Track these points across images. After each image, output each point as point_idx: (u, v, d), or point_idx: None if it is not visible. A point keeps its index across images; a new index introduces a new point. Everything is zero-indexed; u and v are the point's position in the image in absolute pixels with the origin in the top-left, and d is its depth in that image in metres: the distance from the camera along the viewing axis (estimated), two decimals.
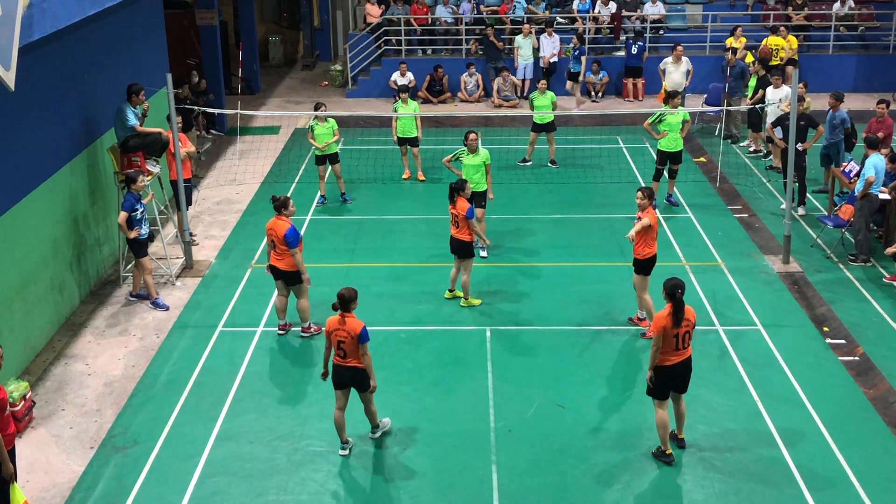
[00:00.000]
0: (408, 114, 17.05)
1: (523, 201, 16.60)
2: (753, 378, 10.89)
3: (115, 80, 14.10)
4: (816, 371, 11.06)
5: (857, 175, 14.29)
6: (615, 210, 15.92)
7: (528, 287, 13.26)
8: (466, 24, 24.28)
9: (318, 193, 16.69)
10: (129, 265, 13.43)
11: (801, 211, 15.84)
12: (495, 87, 22.83)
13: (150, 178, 13.65)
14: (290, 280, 11.55)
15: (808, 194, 16.33)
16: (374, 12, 24.67)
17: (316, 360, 11.45)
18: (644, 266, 11.55)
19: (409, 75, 22.45)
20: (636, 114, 20.41)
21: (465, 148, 13.85)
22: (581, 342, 11.76)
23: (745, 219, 15.71)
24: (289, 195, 13.41)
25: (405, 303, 12.79)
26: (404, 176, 17.81)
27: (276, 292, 12.16)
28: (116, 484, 9.19)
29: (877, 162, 13.65)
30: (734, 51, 20.66)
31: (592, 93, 23.53)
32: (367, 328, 9.23)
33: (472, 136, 13.76)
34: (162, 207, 14.90)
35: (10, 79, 8.87)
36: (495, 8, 24.59)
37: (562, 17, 24.42)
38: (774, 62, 20.66)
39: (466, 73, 23.28)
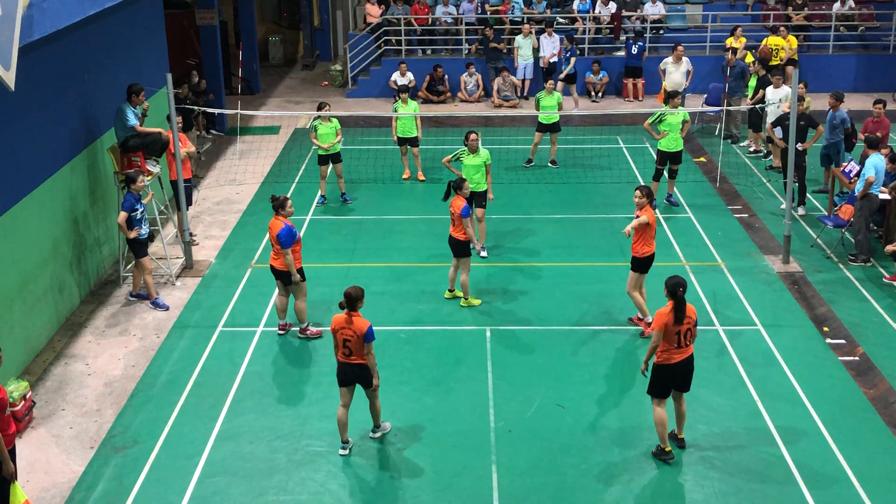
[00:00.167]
0: (408, 114, 17.06)
1: (523, 201, 16.60)
2: (753, 378, 10.89)
3: (115, 80, 14.11)
4: (816, 371, 11.06)
5: (857, 175, 14.29)
6: (615, 210, 15.92)
7: (528, 287, 13.26)
8: (467, 24, 24.29)
9: (319, 193, 16.69)
10: (129, 265, 13.43)
11: (801, 211, 15.84)
12: (495, 87, 22.83)
13: (150, 178, 13.65)
14: (286, 280, 11.55)
15: (808, 194, 16.33)
16: (374, 12, 24.68)
17: (316, 360, 11.46)
18: (642, 264, 11.56)
19: (409, 75, 22.46)
20: (636, 114, 20.42)
21: (466, 148, 13.85)
22: (581, 342, 11.76)
23: (745, 219, 15.72)
24: (289, 195, 13.44)
25: (405, 303, 12.79)
26: (404, 176, 17.81)
27: (276, 292, 12.17)
28: (116, 484, 9.19)
29: (877, 162, 13.65)
30: (734, 51, 20.66)
31: (592, 93, 23.53)
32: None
33: (472, 136, 13.76)
34: (162, 207, 14.90)
35: (10, 79, 8.87)
36: (498, 8, 24.60)
37: (562, 17, 24.42)
38: (774, 62, 20.66)
39: (466, 73, 23.29)
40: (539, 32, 23.00)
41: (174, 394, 10.70)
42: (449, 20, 24.54)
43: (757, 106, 17.98)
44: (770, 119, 17.18)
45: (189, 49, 22.54)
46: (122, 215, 12.27)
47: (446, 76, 23.29)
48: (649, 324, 11.77)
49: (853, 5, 24.39)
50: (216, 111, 18.80)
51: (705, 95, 21.24)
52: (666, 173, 16.12)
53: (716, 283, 13.32)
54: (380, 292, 13.03)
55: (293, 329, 12.04)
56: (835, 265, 13.87)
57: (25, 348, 11.27)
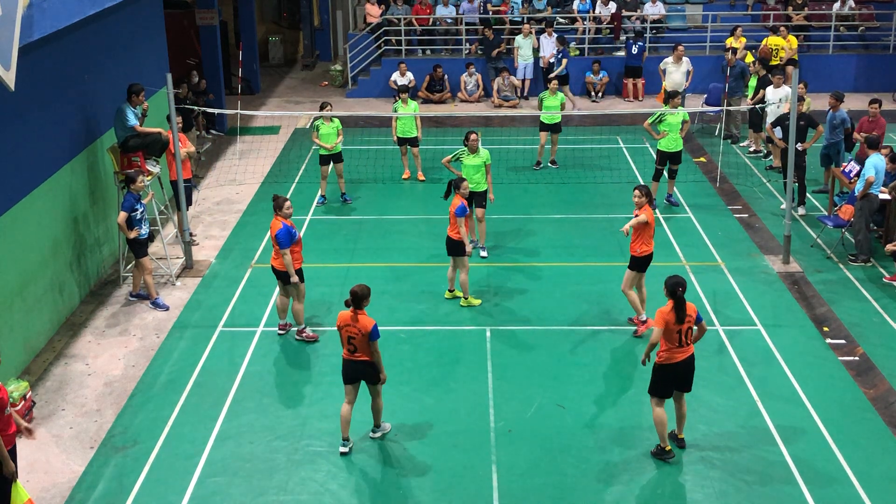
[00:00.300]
0: (408, 114, 17.05)
1: (523, 201, 16.60)
2: (753, 378, 10.89)
3: (115, 80, 14.11)
4: (816, 371, 11.06)
5: (857, 175, 14.29)
6: (615, 210, 15.91)
7: (527, 287, 13.26)
8: (467, 24, 24.29)
9: (319, 193, 16.69)
10: (129, 265, 13.43)
11: (801, 211, 15.84)
12: (495, 88, 22.83)
13: (150, 178, 13.65)
14: (285, 280, 11.54)
15: (808, 194, 16.33)
16: (374, 12, 24.68)
17: (316, 360, 11.46)
18: (640, 263, 11.57)
19: (409, 75, 22.47)
20: (636, 114, 20.43)
21: (466, 148, 13.85)
22: (581, 342, 11.76)
23: (745, 219, 15.72)
24: (289, 195, 13.47)
25: (405, 303, 12.79)
26: (404, 176, 17.81)
27: (276, 291, 12.16)
28: (116, 484, 9.19)
29: (877, 162, 13.65)
30: (734, 51, 20.66)
31: (592, 93, 23.53)
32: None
33: (473, 136, 13.76)
34: (162, 207, 14.90)
35: (10, 79, 8.87)
36: (498, 8, 24.60)
37: (562, 17, 24.43)
38: (774, 62, 20.66)
39: (466, 73, 23.29)
40: (539, 32, 23.00)
41: (174, 394, 10.70)
42: (449, 20, 24.53)
43: (757, 106, 17.98)
44: (770, 119, 17.17)
45: (189, 49, 22.53)
46: (122, 215, 12.27)
47: (446, 76, 23.29)
48: (643, 321, 11.80)
49: (853, 5, 24.39)
50: (216, 111, 18.79)
51: (705, 95, 21.23)
52: (666, 173, 16.12)
53: (716, 283, 13.31)
54: (380, 292, 12.99)
55: (293, 329, 12.04)
56: (835, 265, 13.87)
57: (25, 348, 11.27)
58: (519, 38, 22.98)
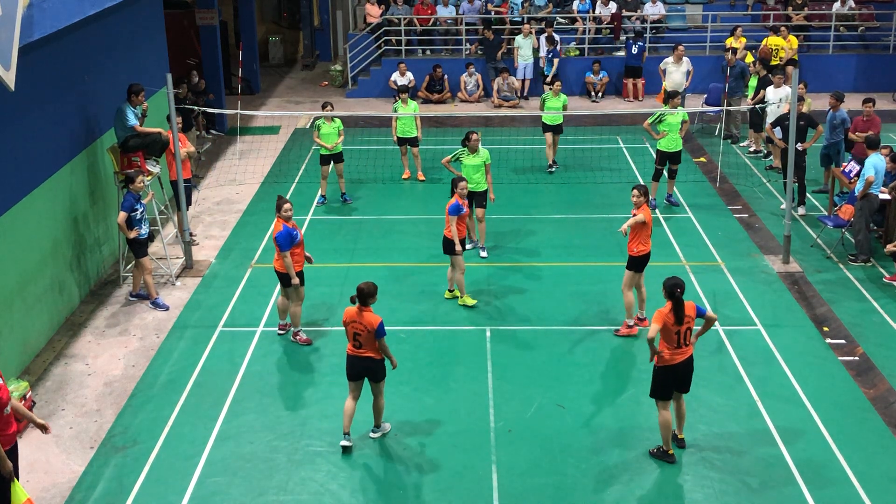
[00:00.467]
0: (408, 114, 17.06)
1: (523, 201, 16.60)
2: (753, 378, 10.89)
3: (115, 80, 14.11)
4: (816, 371, 11.06)
5: (857, 175, 14.29)
6: (615, 210, 15.91)
7: (527, 287, 13.26)
8: (467, 24, 24.29)
9: (319, 193, 16.69)
10: (129, 265, 13.43)
11: (801, 211, 15.84)
12: (495, 88, 22.83)
13: (150, 178, 13.65)
14: (284, 282, 11.49)
15: (808, 194, 16.33)
16: (374, 12, 24.68)
17: (316, 360, 11.46)
18: (637, 263, 11.57)
19: (409, 75, 22.47)
20: (636, 114, 20.43)
21: (465, 149, 13.85)
22: (581, 342, 11.76)
23: (745, 219, 15.72)
24: (288, 195, 13.46)
25: (405, 303, 12.79)
26: (404, 176, 17.81)
27: (277, 290, 12.15)
28: (116, 484, 9.19)
29: (876, 162, 13.65)
30: (734, 51, 20.67)
31: (592, 93, 23.53)
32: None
33: (474, 136, 13.76)
34: (162, 207, 14.90)
35: (10, 79, 8.87)
36: (499, 9, 24.60)
37: (562, 17, 24.43)
38: (774, 62, 20.66)
39: (466, 73, 23.29)
40: (539, 32, 22.99)
41: (174, 394, 10.70)
42: (449, 20, 24.53)
43: (757, 106, 17.98)
44: (771, 119, 17.17)
45: (189, 49, 22.53)
46: (122, 215, 12.27)
47: (446, 76, 23.29)
48: (630, 326, 11.80)
49: (853, 5, 24.39)
50: (216, 111, 18.80)
51: (705, 95, 21.24)
52: (666, 173, 16.12)
53: (716, 282, 13.31)
54: (380, 292, 12.93)
55: (293, 329, 12.03)
56: (835, 265, 13.87)
57: (25, 348, 11.27)
58: (519, 38, 22.98)
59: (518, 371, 11.10)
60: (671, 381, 9.20)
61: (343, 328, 9.68)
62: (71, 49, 12.59)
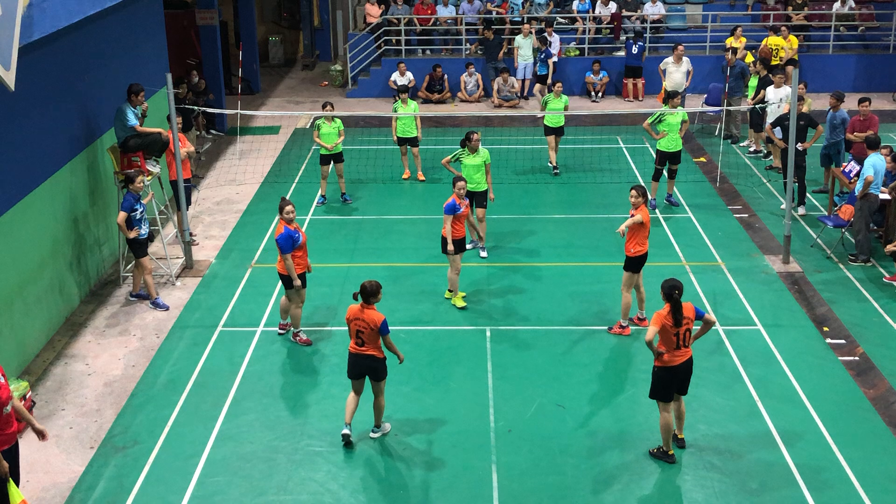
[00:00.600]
0: (408, 114, 17.06)
1: (523, 201, 16.61)
2: (753, 378, 10.89)
3: (115, 80, 14.11)
4: (816, 371, 11.06)
5: (857, 175, 14.29)
6: (615, 210, 15.91)
7: (527, 287, 13.26)
8: (467, 24, 24.29)
9: (319, 193, 16.69)
10: (129, 265, 13.43)
11: (801, 211, 15.84)
12: (495, 88, 22.83)
13: (150, 178, 13.65)
14: (286, 284, 11.46)
15: (808, 194, 16.34)
16: (374, 12, 24.68)
17: (316, 360, 11.46)
18: (634, 263, 11.56)
19: (409, 75, 22.48)
20: (636, 114, 20.43)
21: (465, 149, 13.84)
22: (581, 342, 11.76)
23: (745, 219, 15.72)
24: (288, 195, 13.42)
25: (405, 303, 12.78)
26: (404, 176, 17.81)
27: (277, 290, 12.15)
28: (116, 484, 9.19)
29: (876, 162, 13.65)
30: (734, 51, 20.67)
31: (592, 93, 23.54)
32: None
33: (475, 136, 13.76)
34: (162, 207, 14.90)
35: (10, 79, 8.87)
36: (499, 9, 24.60)
37: (562, 18, 24.43)
38: (774, 62, 20.67)
39: (466, 73, 23.29)
40: (539, 32, 22.99)
41: (174, 394, 10.70)
42: (449, 20, 24.53)
43: (757, 106, 17.97)
44: (771, 119, 17.17)
45: (189, 49, 22.54)
46: (122, 215, 12.27)
47: (446, 76, 23.29)
48: (623, 326, 11.80)
49: (853, 5, 24.39)
50: (216, 111, 18.80)
51: (705, 95, 21.24)
52: (665, 173, 16.12)
53: (716, 282, 13.31)
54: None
55: (293, 330, 12.03)
56: (835, 265, 13.87)
57: (25, 348, 11.27)
58: (519, 38, 22.98)
59: (518, 371, 11.10)
60: (671, 383, 9.19)
61: (345, 327, 9.70)
62: (71, 49, 12.59)
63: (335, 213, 16.29)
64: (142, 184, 12.47)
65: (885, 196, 13.76)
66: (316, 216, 16.09)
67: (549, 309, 12.60)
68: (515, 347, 11.66)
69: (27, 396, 10.20)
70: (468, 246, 13.68)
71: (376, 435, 9.82)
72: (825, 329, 12.01)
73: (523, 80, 23.28)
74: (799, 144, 14.99)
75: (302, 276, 11.42)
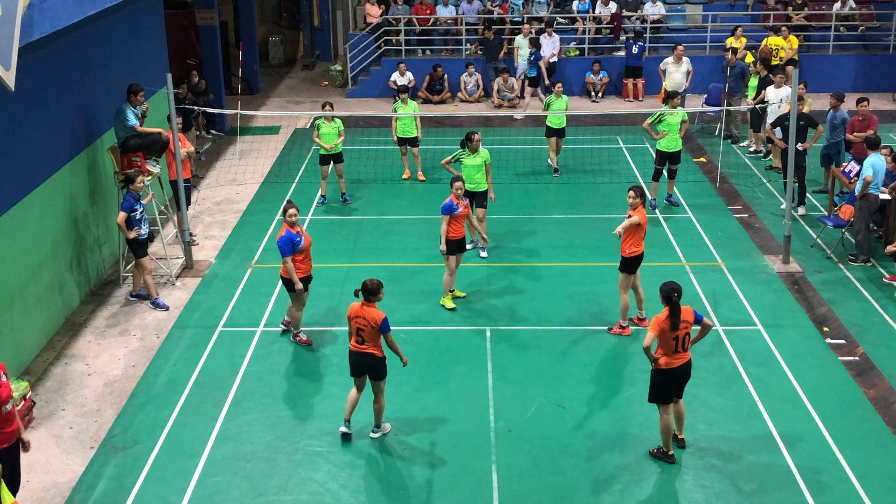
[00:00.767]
0: (408, 114, 17.06)
1: (523, 201, 16.61)
2: (753, 378, 10.89)
3: (115, 80, 14.11)
4: (816, 371, 11.06)
5: (857, 175, 14.29)
6: (615, 210, 15.90)
7: (527, 287, 13.26)
8: (467, 24, 24.29)
9: (319, 193, 16.69)
10: (129, 265, 13.43)
11: (801, 211, 15.84)
12: (495, 88, 22.83)
13: (150, 178, 13.65)
14: (287, 287, 11.40)
15: (808, 194, 16.34)
16: (374, 12, 24.68)
17: (316, 360, 11.46)
18: (629, 264, 11.55)
19: (409, 75, 22.48)
20: (636, 114, 20.43)
21: (465, 150, 13.84)
22: (581, 342, 11.76)
23: (745, 219, 15.72)
24: (288, 195, 13.38)
25: (405, 303, 12.78)
26: (404, 176, 17.81)
27: (277, 290, 12.14)
28: (116, 484, 9.19)
29: (875, 162, 13.65)
30: (734, 51, 20.67)
31: (592, 93, 23.54)
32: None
33: (476, 136, 13.75)
34: (162, 207, 14.90)
35: (10, 79, 8.87)
36: (498, 9, 24.61)
37: (562, 18, 24.43)
38: (774, 62, 20.67)
39: (466, 73, 23.29)
40: (539, 32, 22.99)
41: (174, 394, 10.70)
42: (449, 21, 24.53)
43: (757, 106, 17.97)
44: (771, 119, 17.17)
45: (189, 49, 22.54)
46: (122, 215, 12.27)
47: (446, 76, 23.29)
48: (623, 326, 11.80)
49: (853, 5, 24.39)
50: (216, 111, 18.80)
51: (705, 95, 21.24)
52: (665, 173, 16.12)
53: (716, 283, 13.31)
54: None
55: (293, 330, 12.02)
56: (835, 265, 13.87)
57: (25, 348, 11.27)
58: (519, 38, 22.98)
59: (518, 371, 11.10)
60: (670, 385, 9.18)
61: (346, 327, 9.69)
62: (71, 49, 12.59)
63: (335, 213, 16.29)
64: (142, 184, 12.47)
65: (885, 196, 13.76)
66: (316, 216, 16.09)
67: (549, 309, 12.60)
68: (515, 348, 11.66)
69: (27, 396, 10.20)
70: (468, 246, 13.69)
71: (376, 435, 9.82)
72: (825, 329, 12.01)
73: (523, 81, 23.27)
74: (799, 144, 14.99)
75: (304, 280, 11.35)
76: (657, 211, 15.88)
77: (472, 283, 13.26)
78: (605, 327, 12.04)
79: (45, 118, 11.92)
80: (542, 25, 23.12)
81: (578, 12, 24.32)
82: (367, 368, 9.50)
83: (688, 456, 9.50)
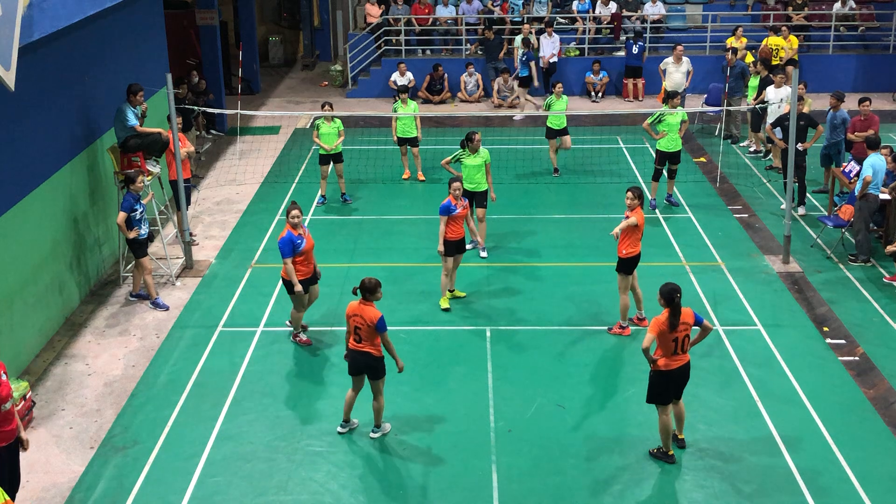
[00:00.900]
0: (408, 114, 17.06)
1: (523, 201, 16.60)
2: (753, 378, 10.89)
3: (115, 80, 14.11)
4: (816, 371, 11.05)
5: (857, 175, 14.29)
6: (615, 210, 15.88)
7: (527, 287, 13.26)
8: (467, 24, 24.29)
9: (319, 193, 16.69)
10: (129, 265, 13.43)
11: (801, 211, 15.84)
12: (495, 88, 22.83)
13: (150, 178, 13.65)
14: (287, 288, 11.37)
15: (808, 194, 16.34)
16: (374, 12, 24.68)
17: (316, 360, 11.46)
18: (626, 265, 11.54)
19: (409, 75, 22.48)
20: (636, 114, 20.43)
21: (465, 150, 13.84)
22: (581, 342, 11.76)
23: (745, 219, 15.72)
24: (288, 195, 13.36)
25: (405, 303, 12.78)
26: (404, 176, 17.81)
27: (277, 290, 12.13)
28: (116, 484, 9.19)
29: (875, 162, 13.65)
30: (734, 51, 20.66)
31: (592, 93, 23.54)
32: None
33: (476, 136, 13.75)
34: (162, 207, 14.90)
35: (10, 79, 8.87)
36: (498, 9, 24.61)
37: (562, 18, 24.43)
38: (774, 62, 20.67)
39: (466, 73, 23.29)
40: (539, 32, 22.99)
41: (174, 394, 10.70)
42: (449, 21, 24.53)
43: (757, 106, 17.97)
44: (772, 119, 17.17)
45: (189, 49, 22.54)
46: (122, 215, 12.27)
47: (446, 76, 23.29)
48: (623, 327, 11.80)
49: (853, 5, 24.39)
50: (216, 111, 18.80)
51: (705, 95, 21.24)
52: (665, 173, 16.12)
53: (716, 283, 13.31)
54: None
55: (293, 331, 12.01)
56: (835, 265, 13.87)
57: (25, 348, 11.27)
58: (518, 39, 22.96)
59: (518, 371, 11.10)
60: (670, 387, 9.17)
61: (345, 327, 9.69)
62: (71, 49, 12.59)
63: (335, 213, 16.29)
64: (142, 184, 12.47)
65: (885, 196, 13.76)
66: (316, 216, 16.09)
67: (548, 309, 12.59)
68: (515, 348, 11.66)
69: (27, 396, 10.20)
70: (468, 246, 13.69)
71: (376, 435, 9.82)
72: (825, 329, 12.01)
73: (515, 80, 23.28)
74: (799, 144, 14.99)
75: (304, 282, 11.30)
76: (657, 211, 15.88)
77: (471, 283, 13.26)
78: (605, 327, 12.04)
79: (45, 118, 11.92)
80: (543, 25, 23.12)
81: (578, 12, 24.32)
82: (365, 367, 9.50)
83: (688, 456, 9.50)
